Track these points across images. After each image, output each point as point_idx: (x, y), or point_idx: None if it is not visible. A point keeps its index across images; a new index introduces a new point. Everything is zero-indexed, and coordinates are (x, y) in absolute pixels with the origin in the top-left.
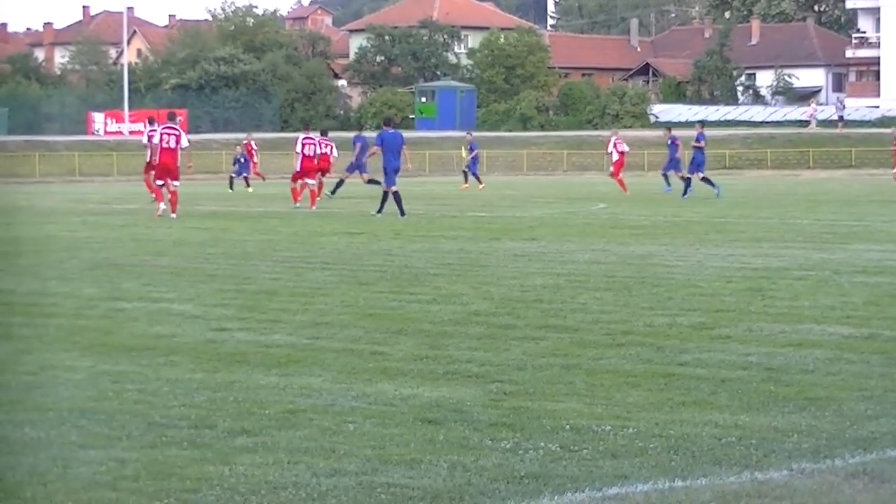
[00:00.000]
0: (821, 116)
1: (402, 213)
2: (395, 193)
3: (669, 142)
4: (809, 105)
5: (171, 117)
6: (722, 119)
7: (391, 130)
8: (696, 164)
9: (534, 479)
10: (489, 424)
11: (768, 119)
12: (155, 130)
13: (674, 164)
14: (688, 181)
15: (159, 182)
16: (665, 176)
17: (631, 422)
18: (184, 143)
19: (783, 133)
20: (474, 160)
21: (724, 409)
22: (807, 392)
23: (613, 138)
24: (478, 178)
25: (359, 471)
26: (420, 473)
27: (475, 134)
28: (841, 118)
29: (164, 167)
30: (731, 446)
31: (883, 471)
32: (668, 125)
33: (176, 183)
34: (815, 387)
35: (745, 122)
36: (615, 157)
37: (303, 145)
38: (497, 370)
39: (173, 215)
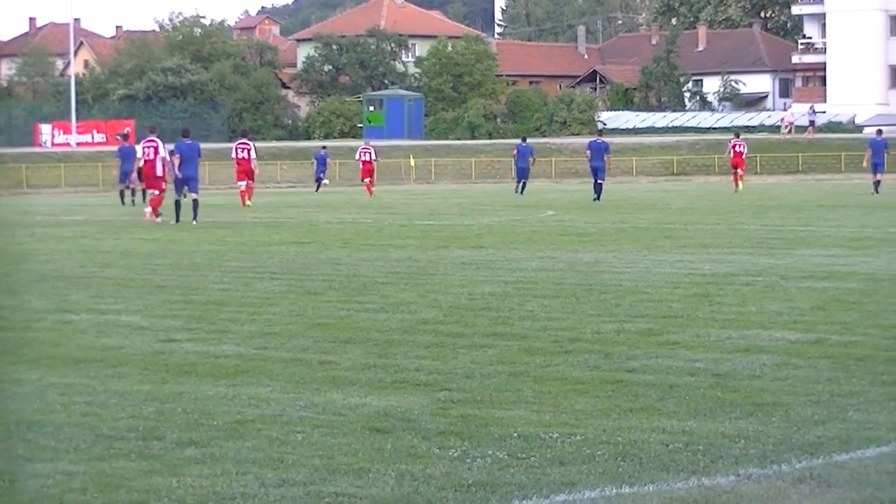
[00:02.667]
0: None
1: (176, 220)
2: (178, 203)
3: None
4: (786, 111)
5: (153, 129)
6: (669, 125)
7: (188, 141)
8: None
9: (482, 488)
10: (437, 433)
11: (715, 125)
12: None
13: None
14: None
15: (151, 190)
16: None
17: (578, 429)
18: (161, 152)
19: (730, 139)
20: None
21: (672, 415)
22: (754, 398)
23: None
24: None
25: (307, 481)
26: (368, 483)
27: (424, 142)
28: (812, 123)
29: (147, 177)
30: (678, 452)
31: (830, 475)
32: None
33: (155, 191)
34: (762, 392)
35: (692, 128)
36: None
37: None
38: (445, 378)
39: (157, 218)
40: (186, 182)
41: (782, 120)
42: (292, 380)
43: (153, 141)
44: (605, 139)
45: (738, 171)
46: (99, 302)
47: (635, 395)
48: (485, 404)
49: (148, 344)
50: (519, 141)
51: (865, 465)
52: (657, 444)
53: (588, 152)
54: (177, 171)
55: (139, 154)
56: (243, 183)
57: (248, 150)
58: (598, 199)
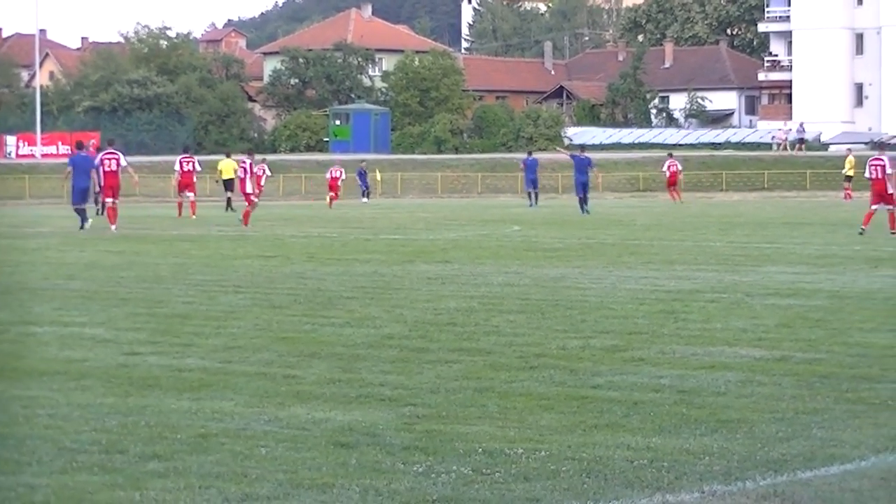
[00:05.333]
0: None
1: (82, 227)
2: (83, 210)
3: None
4: (781, 130)
5: (111, 142)
6: (635, 142)
7: (83, 154)
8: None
9: (446, 503)
10: (402, 448)
11: (682, 141)
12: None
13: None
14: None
15: (109, 200)
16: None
17: (543, 445)
18: (122, 163)
19: (696, 156)
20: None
21: (637, 431)
22: (719, 414)
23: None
24: None
25: (270, 495)
26: (332, 498)
27: (391, 156)
28: (802, 140)
29: (109, 187)
30: (642, 469)
31: (793, 493)
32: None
33: (115, 200)
34: (726, 409)
35: (658, 144)
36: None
37: (181, 163)
38: (410, 393)
39: (112, 227)
40: (75, 192)
41: (773, 137)
42: (256, 394)
43: (113, 153)
44: (585, 154)
45: (675, 187)
46: (63, 314)
47: (600, 411)
48: (449, 420)
49: (111, 357)
50: (525, 155)
51: (829, 483)
52: (622, 461)
53: (573, 164)
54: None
55: (97, 164)
56: (191, 194)
57: (192, 164)
58: (587, 212)
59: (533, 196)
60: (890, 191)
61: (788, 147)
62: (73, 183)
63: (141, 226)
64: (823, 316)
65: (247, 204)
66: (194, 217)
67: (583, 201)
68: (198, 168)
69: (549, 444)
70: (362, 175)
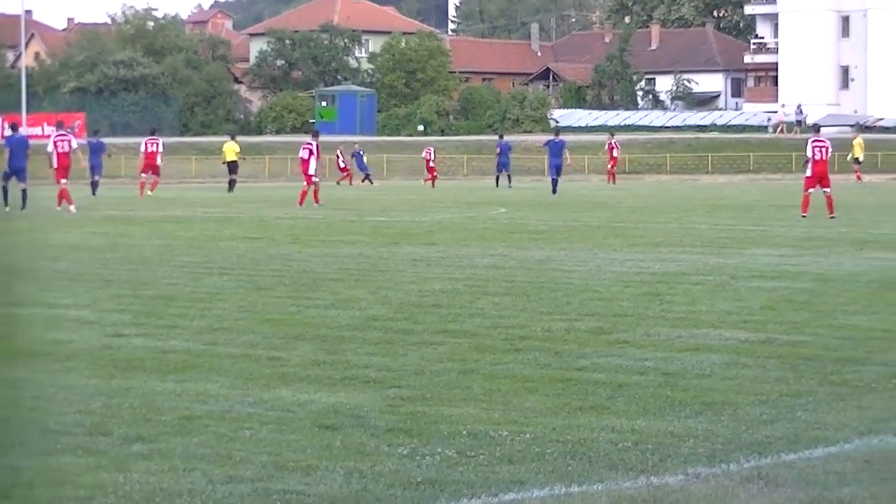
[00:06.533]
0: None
1: (5, 205)
2: (24, 191)
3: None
4: (778, 112)
5: (59, 125)
6: (622, 124)
7: (18, 135)
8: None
9: (430, 485)
10: (386, 430)
11: (668, 124)
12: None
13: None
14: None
15: (63, 181)
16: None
17: (528, 427)
18: (73, 145)
19: (683, 138)
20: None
21: (621, 413)
22: (703, 397)
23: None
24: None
25: (255, 477)
26: (316, 480)
27: (377, 138)
28: (799, 122)
29: (63, 168)
30: (627, 451)
31: (778, 475)
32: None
33: (66, 180)
34: (711, 391)
35: (644, 126)
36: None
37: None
38: (395, 375)
39: (71, 208)
40: (15, 173)
41: (769, 119)
42: (241, 376)
43: (65, 134)
44: (560, 138)
45: (613, 168)
46: (47, 296)
47: (585, 393)
48: (434, 402)
49: (96, 338)
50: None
51: (813, 465)
52: (606, 443)
53: (547, 150)
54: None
55: (49, 148)
56: (148, 176)
57: (157, 145)
58: (555, 192)
59: (505, 178)
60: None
61: (786, 129)
62: (10, 162)
63: (127, 207)
64: (808, 298)
65: (306, 184)
66: (151, 194)
67: (555, 183)
68: (161, 150)
69: (534, 427)
70: (359, 157)
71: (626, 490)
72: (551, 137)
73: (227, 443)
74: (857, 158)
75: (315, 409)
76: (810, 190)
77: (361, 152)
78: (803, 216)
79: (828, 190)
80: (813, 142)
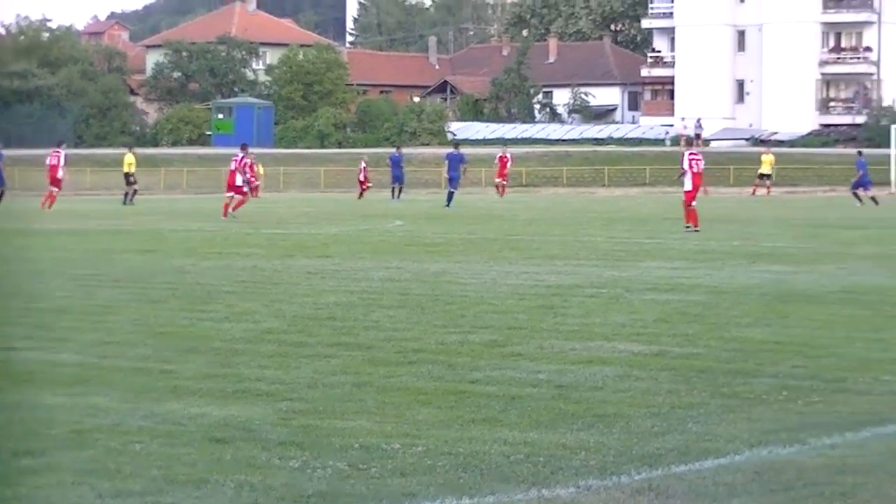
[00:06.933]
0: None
1: None
2: None
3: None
4: (677, 125)
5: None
6: (519, 137)
7: None
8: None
9: (321, 499)
10: (278, 443)
11: (565, 137)
12: None
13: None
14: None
15: None
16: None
17: (420, 440)
18: None
19: (579, 151)
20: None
21: (514, 426)
22: (595, 409)
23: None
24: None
25: (144, 491)
26: (206, 493)
27: (273, 150)
28: (698, 136)
29: None
30: (519, 463)
31: (668, 487)
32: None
33: None
34: (603, 404)
35: (541, 139)
36: None
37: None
38: (287, 388)
39: None
40: None
41: (666, 133)
42: (132, 389)
43: None
44: (458, 151)
45: (503, 181)
46: None
47: (478, 406)
48: (327, 415)
49: None
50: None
51: (703, 477)
52: (498, 455)
53: (446, 163)
54: None
55: None
56: (54, 188)
57: (58, 158)
58: (449, 206)
59: (396, 191)
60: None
61: (684, 141)
62: None
63: (20, 220)
64: (701, 311)
65: (239, 196)
66: (46, 209)
67: (450, 195)
68: (62, 162)
69: (426, 439)
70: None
71: (518, 502)
72: (451, 150)
73: (116, 456)
74: (764, 174)
75: (206, 422)
76: (693, 203)
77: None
78: (696, 230)
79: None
80: (689, 155)
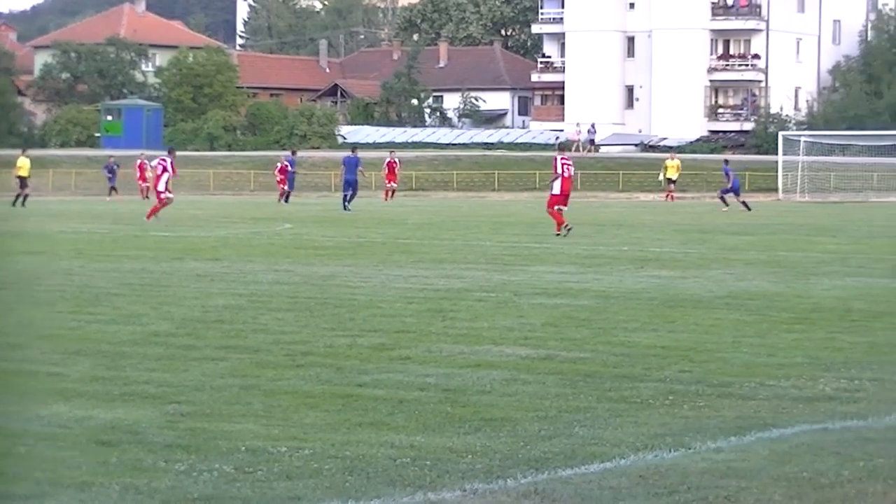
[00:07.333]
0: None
1: None
2: None
3: None
4: (577, 126)
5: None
6: (409, 141)
7: None
8: None
9: (207, 502)
10: (164, 446)
11: (455, 141)
12: None
13: None
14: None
15: None
16: None
17: (307, 443)
18: None
19: (469, 155)
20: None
21: (401, 429)
22: (483, 413)
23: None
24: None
25: (29, 494)
26: (91, 496)
27: (163, 153)
28: (592, 142)
29: None
30: (405, 467)
31: (554, 490)
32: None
33: None
34: (491, 408)
35: (432, 143)
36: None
37: None
38: (175, 391)
39: None
40: None
41: (557, 138)
42: (18, 392)
43: None
44: (355, 154)
45: (393, 185)
46: None
47: (365, 409)
48: (214, 418)
49: None
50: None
51: (589, 481)
52: (385, 459)
53: (343, 167)
54: None
55: None
56: None
57: None
58: (347, 209)
59: (285, 196)
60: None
61: (581, 148)
62: None
63: None
64: (589, 315)
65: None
66: None
67: (348, 198)
68: None
69: (313, 443)
70: (111, 170)
71: None
72: (348, 154)
73: (1, 459)
74: (669, 179)
75: (93, 424)
76: (558, 207)
77: (114, 166)
78: (557, 234)
79: (565, 208)
80: (561, 159)
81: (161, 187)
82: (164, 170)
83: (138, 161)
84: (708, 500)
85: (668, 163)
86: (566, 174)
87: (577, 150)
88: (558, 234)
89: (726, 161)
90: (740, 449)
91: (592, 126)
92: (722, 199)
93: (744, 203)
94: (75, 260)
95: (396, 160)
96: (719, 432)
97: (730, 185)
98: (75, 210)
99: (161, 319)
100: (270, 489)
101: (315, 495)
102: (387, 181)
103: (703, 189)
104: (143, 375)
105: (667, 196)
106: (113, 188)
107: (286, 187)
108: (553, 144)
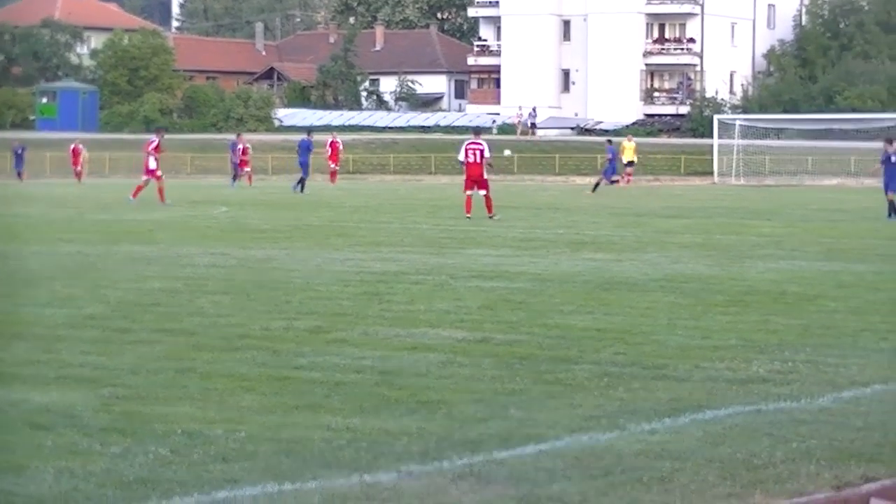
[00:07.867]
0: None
1: None
2: None
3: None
4: (519, 110)
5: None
6: (346, 124)
7: None
8: None
9: (142, 484)
10: (99, 429)
11: (391, 124)
12: None
13: None
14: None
15: None
16: None
17: (243, 425)
18: None
19: (406, 139)
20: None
21: (337, 412)
22: (419, 395)
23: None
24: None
25: None
26: (26, 480)
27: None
28: (532, 125)
29: None
30: (341, 449)
31: (489, 472)
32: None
33: None
34: (426, 390)
35: (368, 127)
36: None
37: None
38: (110, 374)
39: None
40: None
41: (493, 122)
42: None
43: None
44: (309, 137)
45: (335, 166)
46: None
47: (301, 392)
48: (149, 401)
49: None
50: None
51: (524, 462)
52: (321, 441)
53: (298, 149)
54: None
55: None
56: None
57: None
58: (301, 192)
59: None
60: (485, 176)
61: (523, 131)
62: None
63: None
64: (525, 298)
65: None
66: None
67: (301, 181)
68: None
69: (249, 425)
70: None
71: (339, 488)
72: (303, 137)
73: None
74: (629, 161)
75: (27, 408)
76: (469, 192)
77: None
78: (468, 217)
79: (483, 192)
80: (467, 144)
81: (153, 165)
82: (156, 149)
83: (72, 146)
84: (642, 481)
85: (626, 144)
86: (470, 159)
87: (523, 133)
88: (468, 217)
89: (609, 141)
90: (674, 430)
91: (534, 110)
92: (611, 181)
93: (600, 184)
94: (10, 244)
95: (339, 141)
96: (653, 414)
97: (609, 165)
98: (9, 193)
99: (96, 302)
100: (206, 472)
101: (251, 477)
102: (330, 162)
103: (638, 173)
104: (78, 358)
105: (627, 180)
106: (20, 173)
107: (238, 171)
108: (489, 128)
